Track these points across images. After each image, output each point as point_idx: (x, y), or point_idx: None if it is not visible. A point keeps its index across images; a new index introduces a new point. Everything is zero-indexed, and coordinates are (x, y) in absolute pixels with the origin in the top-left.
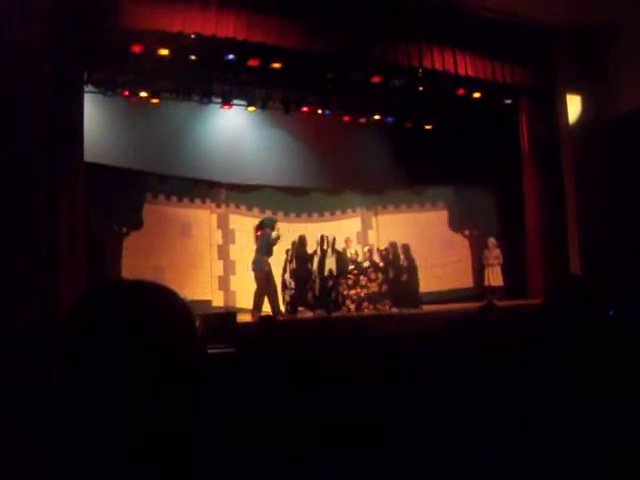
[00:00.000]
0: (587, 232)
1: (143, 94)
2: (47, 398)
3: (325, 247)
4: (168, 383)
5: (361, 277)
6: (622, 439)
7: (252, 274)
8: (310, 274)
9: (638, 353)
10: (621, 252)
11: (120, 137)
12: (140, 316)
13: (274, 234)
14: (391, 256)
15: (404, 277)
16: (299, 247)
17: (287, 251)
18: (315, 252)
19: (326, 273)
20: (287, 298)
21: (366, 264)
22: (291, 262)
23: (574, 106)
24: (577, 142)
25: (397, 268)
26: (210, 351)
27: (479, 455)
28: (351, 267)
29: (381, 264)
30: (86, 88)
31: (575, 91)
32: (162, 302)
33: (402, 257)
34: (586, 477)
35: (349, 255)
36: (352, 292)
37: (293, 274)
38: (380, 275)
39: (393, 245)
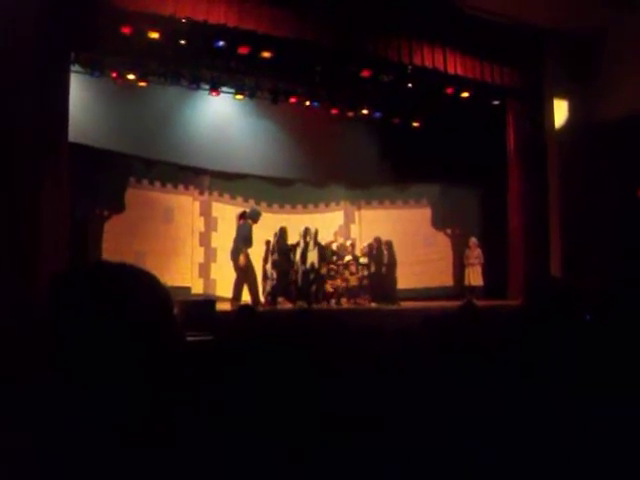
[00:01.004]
0: (569, 235)
1: (131, 76)
2: (28, 382)
3: (308, 239)
4: (146, 365)
5: (343, 270)
6: (598, 436)
7: (232, 263)
8: (292, 266)
9: (614, 356)
10: (603, 256)
11: (106, 119)
12: (120, 298)
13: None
14: (375, 251)
15: (383, 272)
16: (280, 238)
17: (267, 242)
18: (298, 244)
19: (308, 266)
20: (268, 288)
21: (348, 257)
22: (273, 253)
23: (561, 109)
24: (563, 145)
25: (379, 264)
26: (188, 338)
27: (455, 450)
28: (334, 258)
29: (364, 259)
30: (73, 68)
31: (562, 94)
32: (142, 285)
33: (385, 253)
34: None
35: (335, 247)
36: (333, 284)
37: (275, 265)
38: (362, 269)
39: (377, 240)
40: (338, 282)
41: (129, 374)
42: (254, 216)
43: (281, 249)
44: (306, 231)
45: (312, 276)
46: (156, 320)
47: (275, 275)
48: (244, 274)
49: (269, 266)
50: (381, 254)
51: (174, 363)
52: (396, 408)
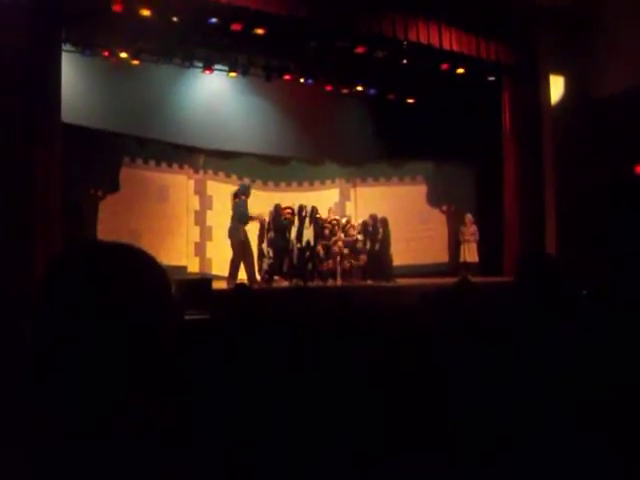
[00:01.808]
0: (564, 212)
1: (123, 55)
2: (22, 365)
3: (304, 216)
4: (145, 345)
5: (339, 248)
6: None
7: (228, 241)
8: (288, 244)
9: (609, 331)
10: (598, 233)
11: (99, 98)
12: (118, 278)
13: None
14: (371, 228)
15: (377, 249)
16: (275, 217)
17: (261, 220)
18: (292, 222)
19: (304, 244)
20: (264, 267)
21: (343, 235)
22: (269, 231)
23: (557, 85)
24: (558, 122)
25: (374, 241)
26: (185, 317)
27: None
28: (328, 234)
29: (359, 236)
30: (64, 47)
31: (558, 71)
32: (140, 265)
33: (380, 230)
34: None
35: (331, 223)
36: (329, 262)
37: (270, 243)
38: (359, 246)
39: (373, 217)
40: (334, 260)
41: (128, 354)
42: (245, 191)
43: (277, 227)
44: (301, 208)
45: (307, 254)
46: (154, 299)
47: (271, 253)
48: (242, 252)
49: (265, 244)
50: (376, 231)
51: (173, 342)
52: (394, 384)
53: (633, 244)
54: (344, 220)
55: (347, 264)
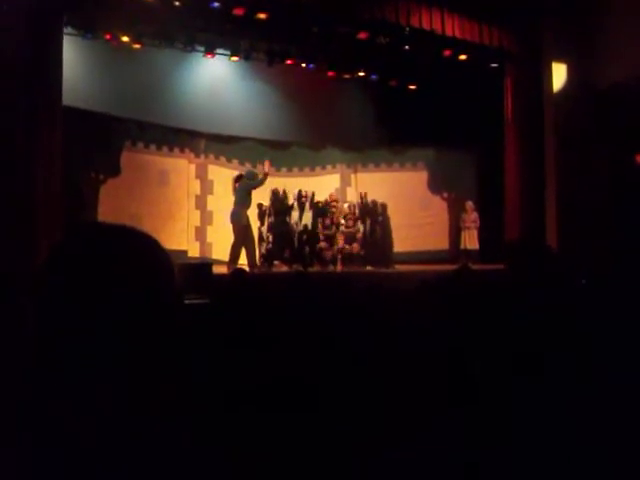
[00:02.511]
0: (565, 200)
1: (125, 39)
2: (23, 347)
3: (303, 201)
4: (147, 328)
5: (339, 233)
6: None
7: (230, 226)
8: (288, 228)
9: (608, 320)
10: (599, 221)
11: (100, 82)
12: (122, 259)
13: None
14: (371, 205)
15: (378, 235)
16: (276, 201)
17: (259, 205)
18: (293, 206)
19: (302, 228)
20: (263, 252)
21: (344, 220)
22: (270, 216)
23: (559, 74)
24: (560, 110)
25: (374, 222)
26: (185, 301)
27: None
28: (329, 222)
29: (361, 226)
30: (66, 30)
31: (561, 59)
32: (145, 248)
33: (380, 218)
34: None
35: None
36: (329, 247)
37: (270, 228)
38: (357, 232)
39: (373, 202)
40: (336, 245)
41: (131, 337)
42: (251, 176)
43: (277, 211)
44: (299, 193)
45: (305, 237)
46: (158, 282)
47: (271, 238)
48: (244, 237)
49: (264, 229)
50: (376, 212)
51: (175, 326)
52: (391, 371)
53: (634, 233)
54: (345, 206)
55: (347, 249)
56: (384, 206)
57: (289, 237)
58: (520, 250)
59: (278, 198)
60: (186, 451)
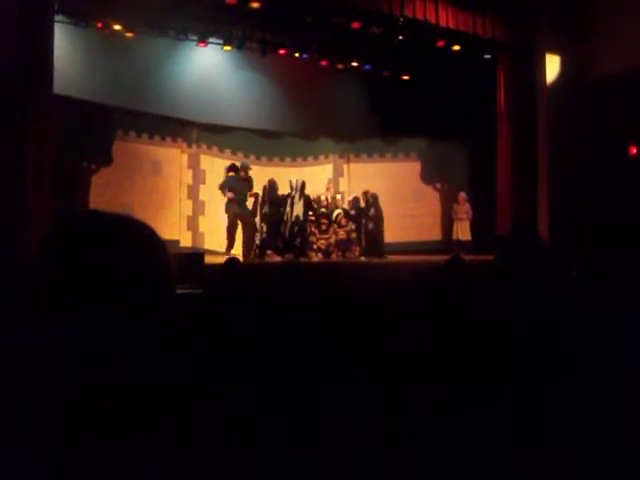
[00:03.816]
0: (558, 191)
1: (117, 27)
2: (15, 337)
3: (293, 192)
4: (142, 316)
5: (332, 224)
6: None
7: (223, 216)
8: (282, 218)
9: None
10: (592, 212)
11: (92, 71)
12: (117, 248)
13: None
14: (363, 204)
15: (371, 226)
16: (270, 191)
17: (255, 194)
18: (288, 195)
19: (293, 218)
20: (257, 241)
21: (338, 211)
22: (263, 206)
23: (552, 66)
24: (553, 102)
25: (367, 217)
26: (178, 291)
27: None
28: (323, 210)
29: (352, 212)
30: (57, 18)
31: (554, 51)
32: (141, 237)
33: (372, 207)
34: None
35: (323, 200)
36: (321, 238)
37: (264, 218)
38: (350, 223)
39: (365, 193)
40: (328, 236)
41: (127, 327)
42: (245, 167)
43: (272, 201)
44: (290, 183)
45: (296, 229)
46: (154, 271)
47: (265, 228)
48: (235, 225)
49: (258, 219)
50: (368, 207)
51: (170, 315)
52: (385, 361)
53: (626, 224)
54: (338, 196)
55: (339, 240)
56: (375, 196)
57: (283, 227)
58: (510, 241)
59: (273, 188)
60: (186, 442)
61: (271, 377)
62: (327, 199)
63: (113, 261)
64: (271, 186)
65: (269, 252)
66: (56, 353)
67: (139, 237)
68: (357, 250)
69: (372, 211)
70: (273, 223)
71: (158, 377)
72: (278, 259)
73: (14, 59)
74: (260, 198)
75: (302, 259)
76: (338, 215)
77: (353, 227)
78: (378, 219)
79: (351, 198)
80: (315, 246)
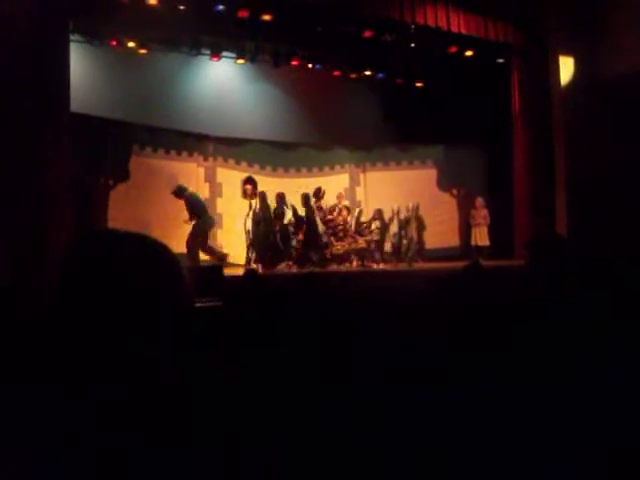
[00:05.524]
0: (575, 193)
1: (131, 44)
2: (35, 351)
3: (285, 208)
4: (158, 335)
5: (353, 233)
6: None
7: (240, 228)
8: (287, 230)
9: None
10: (610, 214)
11: (107, 88)
12: (134, 265)
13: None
14: (406, 213)
15: (415, 235)
16: (282, 204)
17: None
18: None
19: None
20: (269, 253)
21: (360, 219)
22: (277, 218)
23: (566, 67)
24: (568, 104)
25: (410, 225)
26: (198, 305)
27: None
28: (335, 219)
29: (375, 223)
30: (72, 37)
31: (568, 52)
32: (154, 254)
33: (413, 217)
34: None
35: (339, 210)
36: (338, 246)
37: (277, 230)
38: (370, 233)
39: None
40: (344, 244)
41: (142, 345)
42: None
43: (283, 214)
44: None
45: (310, 239)
46: (165, 289)
47: (278, 238)
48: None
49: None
50: (411, 216)
51: (183, 331)
52: (403, 372)
53: None
54: (357, 211)
55: (359, 248)
56: (416, 206)
57: (294, 238)
58: (542, 248)
59: (283, 201)
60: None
61: (285, 386)
62: (339, 208)
63: (129, 277)
64: (282, 199)
65: (284, 264)
66: (77, 364)
67: (152, 254)
68: (377, 258)
69: (414, 221)
70: (284, 235)
71: (180, 393)
72: (294, 269)
73: (31, 79)
74: (272, 212)
75: (318, 269)
76: (363, 224)
77: (375, 238)
78: (420, 228)
79: (375, 209)
80: (333, 254)
